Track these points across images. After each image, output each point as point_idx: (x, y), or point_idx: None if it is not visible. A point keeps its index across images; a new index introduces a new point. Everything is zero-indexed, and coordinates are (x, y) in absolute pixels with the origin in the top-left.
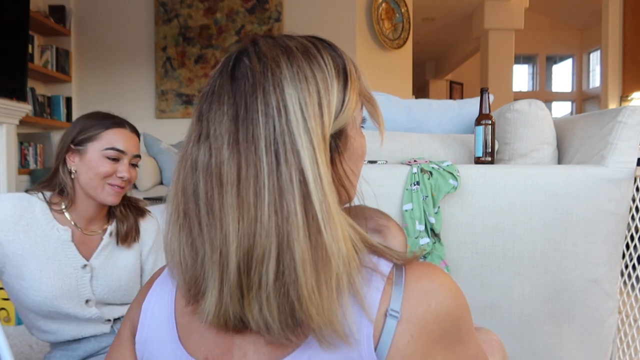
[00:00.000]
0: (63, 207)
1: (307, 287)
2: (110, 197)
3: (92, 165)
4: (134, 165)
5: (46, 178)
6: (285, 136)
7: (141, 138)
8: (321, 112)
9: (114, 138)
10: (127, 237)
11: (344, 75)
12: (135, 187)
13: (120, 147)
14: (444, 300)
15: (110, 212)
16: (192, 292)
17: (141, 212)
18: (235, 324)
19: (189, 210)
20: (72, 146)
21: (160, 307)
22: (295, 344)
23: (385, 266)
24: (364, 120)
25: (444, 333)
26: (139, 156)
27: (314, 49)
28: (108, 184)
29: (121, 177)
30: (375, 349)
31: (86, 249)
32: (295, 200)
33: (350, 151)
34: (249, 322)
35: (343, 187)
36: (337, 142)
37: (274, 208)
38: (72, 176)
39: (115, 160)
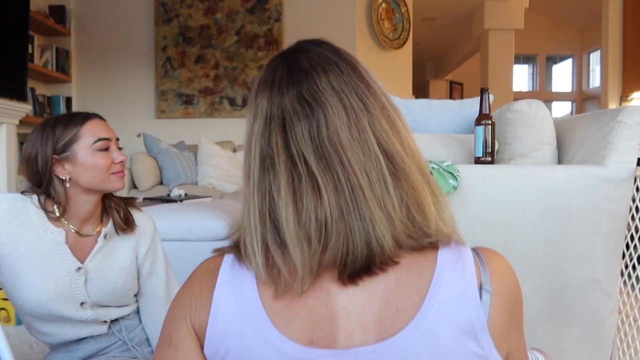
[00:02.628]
0: (57, 213)
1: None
2: (118, 184)
3: (88, 164)
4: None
5: (42, 190)
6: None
7: (141, 138)
8: None
9: (94, 129)
10: (127, 221)
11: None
12: (135, 187)
13: (105, 135)
14: (514, 279)
15: (103, 212)
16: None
17: (128, 201)
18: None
19: (310, 177)
20: (55, 157)
21: (238, 295)
22: (404, 317)
23: (463, 247)
24: None
25: (515, 312)
26: (118, 138)
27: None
28: (111, 173)
29: (120, 162)
30: None
31: (80, 252)
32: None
33: None
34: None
35: None
36: None
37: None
38: (67, 184)
39: (106, 149)
